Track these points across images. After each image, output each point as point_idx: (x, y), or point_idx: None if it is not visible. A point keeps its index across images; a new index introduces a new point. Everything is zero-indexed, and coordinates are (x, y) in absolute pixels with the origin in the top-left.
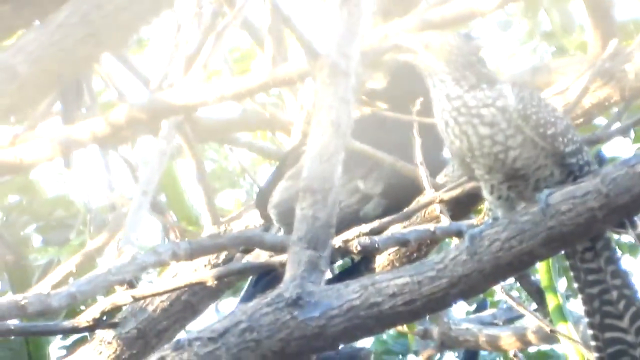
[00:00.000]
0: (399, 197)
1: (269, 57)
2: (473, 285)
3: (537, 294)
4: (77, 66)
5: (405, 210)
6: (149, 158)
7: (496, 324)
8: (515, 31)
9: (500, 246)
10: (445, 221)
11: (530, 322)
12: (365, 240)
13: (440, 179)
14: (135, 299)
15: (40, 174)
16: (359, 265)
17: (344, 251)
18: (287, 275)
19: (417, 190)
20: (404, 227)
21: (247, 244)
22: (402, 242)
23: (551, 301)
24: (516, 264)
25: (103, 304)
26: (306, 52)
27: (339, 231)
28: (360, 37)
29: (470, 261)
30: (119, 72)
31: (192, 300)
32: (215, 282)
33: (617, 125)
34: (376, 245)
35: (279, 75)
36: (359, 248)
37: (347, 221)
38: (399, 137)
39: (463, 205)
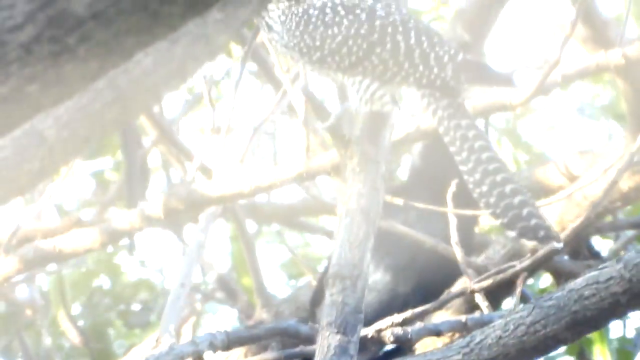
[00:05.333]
0: (431, 269)
1: (303, 148)
2: None
3: None
4: (105, 130)
5: (439, 300)
6: (187, 250)
7: None
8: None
9: (525, 330)
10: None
11: None
12: (398, 330)
13: (482, 259)
14: None
15: (121, 257)
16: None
17: (376, 340)
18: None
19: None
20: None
21: (283, 335)
22: (435, 332)
23: None
24: (541, 348)
25: None
26: (337, 141)
27: (378, 312)
28: (390, 125)
29: (496, 345)
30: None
31: None
32: None
33: None
34: (409, 336)
35: (313, 167)
36: (392, 338)
37: (385, 302)
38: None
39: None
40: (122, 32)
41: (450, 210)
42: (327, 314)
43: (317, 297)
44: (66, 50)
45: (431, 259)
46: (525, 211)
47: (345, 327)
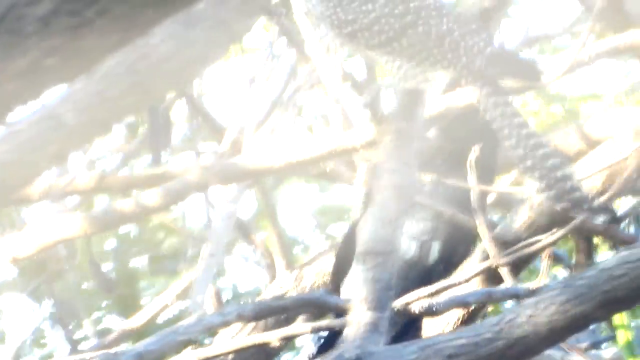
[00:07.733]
0: (453, 238)
1: (337, 124)
2: (529, 347)
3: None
4: (123, 115)
5: (465, 276)
6: (216, 221)
7: (579, 348)
8: None
9: (556, 309)
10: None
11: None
12: (426, 302)
13: (498, 230)
14: None
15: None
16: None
17: (404, 314)
18: (348, 336)
19: (471, 233)
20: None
21: (311, 306)
22: (462, 304)
23: (622, 337)
24: (572, 327)
25: None
26: (371, 117)
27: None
28: (424, 101)
29: (527, 324)
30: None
31: None
32: (280, 343)
33: None
34: (434, 308)
35: (345, 143)
36: (420, 310)
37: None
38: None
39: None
40: (140, 4)
41: (474, 187)
42: (358, 290)
43: (338, 272)
44: (85, 23)
45: (451, 229)
46: (568, 185)
47: (376, 304)
